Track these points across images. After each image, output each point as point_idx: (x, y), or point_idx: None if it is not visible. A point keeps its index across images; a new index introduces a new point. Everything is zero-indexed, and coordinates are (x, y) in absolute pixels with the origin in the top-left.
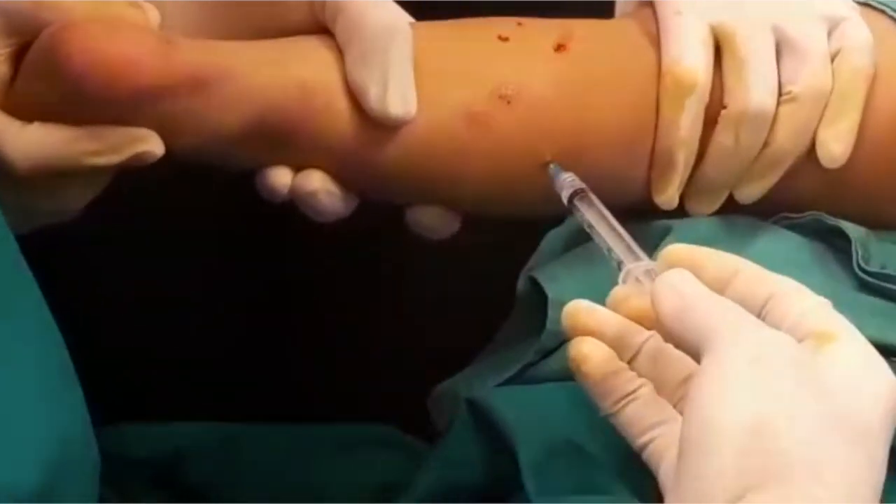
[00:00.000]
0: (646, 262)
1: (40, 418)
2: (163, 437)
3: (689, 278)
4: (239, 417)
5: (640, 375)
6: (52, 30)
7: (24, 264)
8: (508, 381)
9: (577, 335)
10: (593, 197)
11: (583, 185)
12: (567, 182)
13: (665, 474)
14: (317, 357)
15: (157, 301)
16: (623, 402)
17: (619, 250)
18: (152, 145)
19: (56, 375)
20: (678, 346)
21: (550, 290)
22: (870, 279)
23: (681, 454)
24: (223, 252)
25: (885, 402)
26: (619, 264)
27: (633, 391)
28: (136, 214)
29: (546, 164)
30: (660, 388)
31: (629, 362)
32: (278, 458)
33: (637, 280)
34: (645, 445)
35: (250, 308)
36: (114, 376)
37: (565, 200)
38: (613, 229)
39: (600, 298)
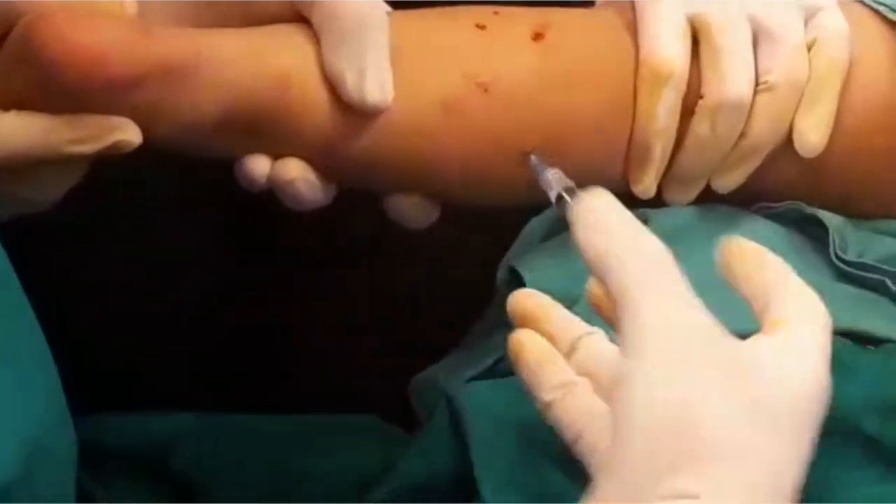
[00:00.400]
0: None
1: (14, 405)
2: (147, 427)
3: (614, 212)
4: (223, 408)
5: (578, 372)
6: (27, 20)
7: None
8: (485, 372)
9: (518, 322)
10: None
11: (572, 184)
12: (555, 179)
13: (596, 468)
14: (299, 347)
15: (144, 290)
16: (557, 393)
17: None
18: (129, 134)
19: (30, 363)
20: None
21: (529, 279)
22: (847, 268)
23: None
24: (211, 241)
25: (809, 392)
26: None
27: (567, 383)
28: (124, 201)
29: (527, 155)
30: (596, 386)
31: (567, 356)
32: (261, 448)
33: None
34: (576, 439)
35: (236, 298)
36: (100, 366)
37: (553, 198)
38: None
39: (580, 288)
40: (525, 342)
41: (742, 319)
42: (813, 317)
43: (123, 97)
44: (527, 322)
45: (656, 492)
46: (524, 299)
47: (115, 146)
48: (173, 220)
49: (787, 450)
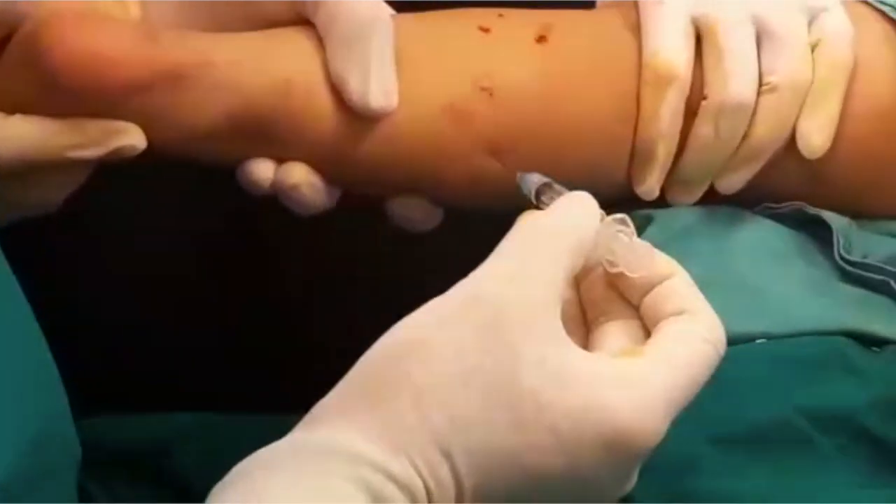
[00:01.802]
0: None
1: (15, 405)
2: (146, 428)
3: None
4: (223, 408)
5: None
6: (32, 24)
7: None
8: None
9: None
10: (558, 186)
11: (548, 179)
12: (533, 181)
13: None
14: (301, 347)
15: (144, 291)
16: None
17: None
18: (134, 139)
19: (31, 363)
20: None
21: None
22: (851, 269)
23: None
24: (209, 242)
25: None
26: None
27: None
28: (120, 204)
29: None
30: None
31: None
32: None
33: (618, 233)
34: None
35: (238, 298)
36: (99, 367)
37: (533, 199)
38: None
39: None
40: None
41: (745, 321)
42: None
43: (128, 102)
44: None
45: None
46: None
47: (119, 151)
48: (174, 218)
49: (507, 427)
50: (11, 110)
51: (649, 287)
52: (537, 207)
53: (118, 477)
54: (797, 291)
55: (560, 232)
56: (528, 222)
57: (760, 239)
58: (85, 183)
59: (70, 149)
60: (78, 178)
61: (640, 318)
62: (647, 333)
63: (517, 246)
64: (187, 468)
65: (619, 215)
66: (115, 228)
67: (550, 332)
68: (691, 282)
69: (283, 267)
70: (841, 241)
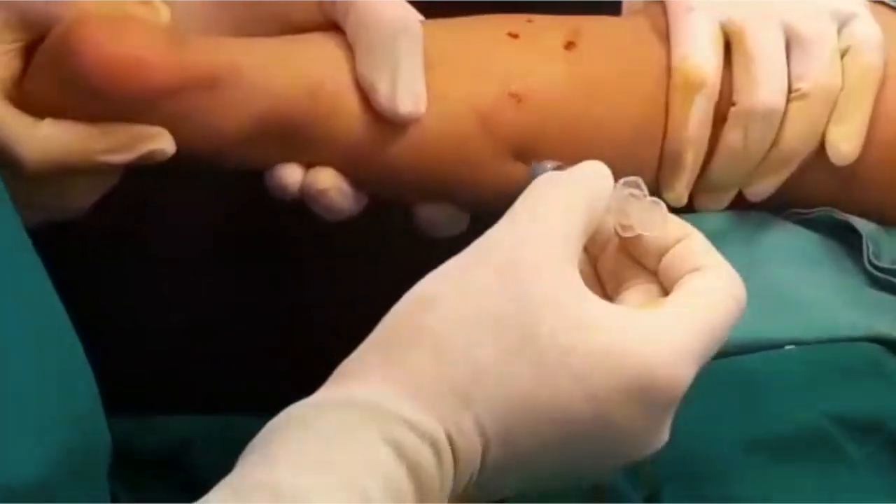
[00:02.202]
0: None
1: (49, 405)
2: (167, 429)
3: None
4: (242, 410)
5: None
6: (63, 27)
7: (32, 250)
8: None
9: None
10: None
11: (558, 163)
12: (546, 167)
13: None
14: (323, 348)
15: (164, 294)
16: None
17: None
18: (164, 143)
19: (65, 363)
20: None
21: None
22: (880, 275)
23: None
24: (228, 244)
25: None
26: None
27: None
28: (136, 207)
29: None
30: None
31: None
32: None
33: (631, 195)
34: None
35: (255, 299)
36: (115, 369)
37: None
38: None
39: None
40: None
41: (775, 327)
42: None
43: (158, 106)
44: None
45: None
46: None
47: (149, 155)
48: (194, 223)
49: (528, 378)
50: (42, 114)
51: (664, 250)
52: None
53: (140, 477)
54: (827, 297)
55: (574, 189)
56: (542, 181)
57: (790, 244)
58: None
59: (100, 153)
60: (105, 184)
61: (659, 283)
62: (667, 295)
63: (532, 203)
64: (208, 469)
65: (631, 178)
66: (130, 229)
67: (568, 279)
68: (706, 241)
69: (306, 268)
70: (870, 247)
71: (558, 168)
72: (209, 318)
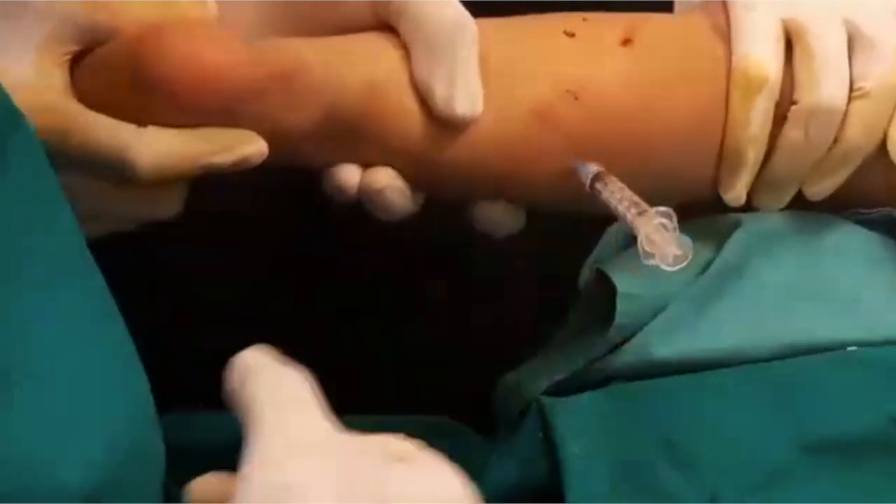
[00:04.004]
0: (661, 208)
1: (105, 406)
2: (215, 426)
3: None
4: None
5: None
6: (136, 40)
7: (89, 254)
8: (575, 375)
9: None
10: (611, 177)
11: (600, 168)
12: (590, 170)
13: None
14: (363, 349)
15: (195, 296)
16: None
17: (637, 210)
18: (259, 146)
19: (120, 363)
20: None
21: (620, 283)
22: None
23: None
24: (265, 241)
25: None
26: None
27: None
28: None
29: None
30: None
31: None
32: None
33: (661, 225)
34: None
35: (298, 300)
36: (175, 365)
37: (587, 187)
38: (631, 199)
39: (667, 291)
40: None
41: (837, 328)
42: None
43: (239, 109)
44: None
45: None
46: None
47: (247, 158)
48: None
49: None
50: None
51: None
52: (594, 192)
53: (187, 474)
54: (890, 298)
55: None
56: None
57: (850, 244)
58: None
59: (204, 157)
60: (185, 191)
61: None
62: None
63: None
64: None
65: (664, 209)
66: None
67: None
68: None
69: (344, 270)
70: None
71: (599, 172)
72: (250, 319)
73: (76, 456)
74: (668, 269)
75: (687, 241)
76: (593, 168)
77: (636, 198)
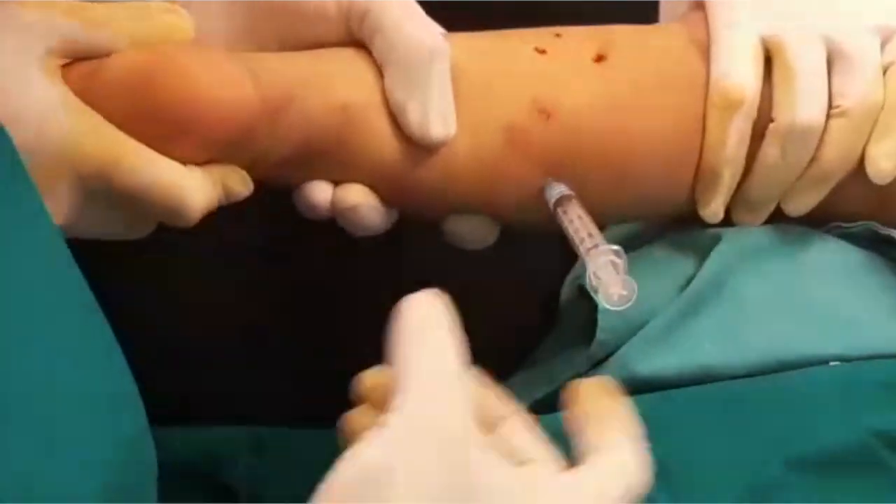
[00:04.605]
0: (613, 247)
1: (102, 423)
2: (199, 441)
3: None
4: (274, 422)
5: None
6: (135, 74)
7: (76, 268)
8: (557, 392)
9: None
10: (573, 203)
11: (568, 192)
12: (556, 192)
13: None
14: (352, 360)
15: (206, 303)
16: None
17: (591, 243)
18: (249, 185)
19: (116, 384)
20: None
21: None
22: None
23: None
24: (255, 253)
25: None
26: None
27: None
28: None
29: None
30: None
31: None
32: (316, 462)
33: (610, 263)
34: None
35: (300, 309)
36: (159, 380)
37: (551, 208)
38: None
39: (648, 307)
40: None
41: (818, 343)
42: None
43: (245, 144)
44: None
45: None
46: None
47: (237, 196)
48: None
49: None
50: None
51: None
52: (555, 216)
53: (171, 489)
54: (870, 312)
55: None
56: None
57: (832, 259)
58: None
59: (189, 190)
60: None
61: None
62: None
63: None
64: (240, 482)
65: (615, 247)
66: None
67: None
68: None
69: (356, 276)
70: None
71: (565, 198)
72: (256, 327)
73: (70, 477)
74: (611, 307)
75: (632, 283)
76: (559, 190)
77: (594, 229)
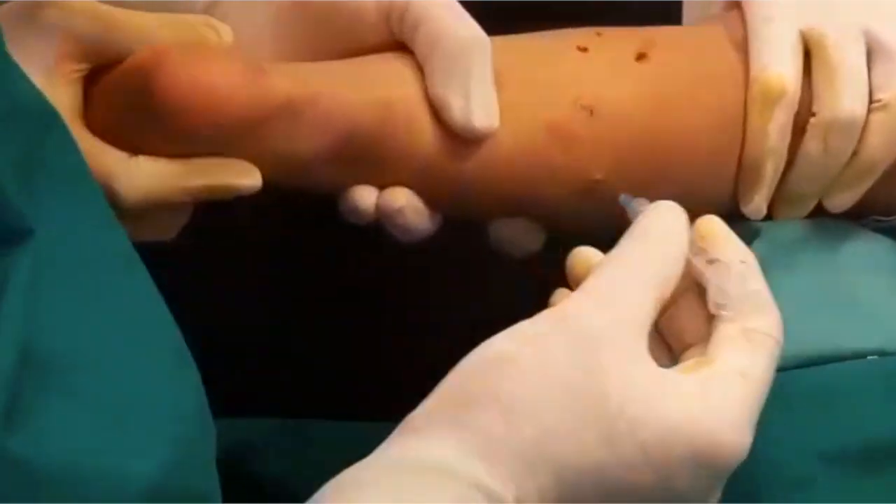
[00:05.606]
0: None
1: (166, 404)
2: (227, 432)
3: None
4: (308, 414)
5: None
6: (140, 64)
7: (135, 253)
8: None
9: None
10: None
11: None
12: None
13: None
14: (374, 357)
15: (234, 297)
16: None
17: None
18: (253, 179)
19: (175, 356)
20: None
21: None
22: None
23: None
24: (288, 251)
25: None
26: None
27: None
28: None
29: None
30: None
31: None
32: (349, 454)
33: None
34: None
35: (330, 301)
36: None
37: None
38: None
39: None
40: None
41: (857, 337)
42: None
43: (244, 137)
44: None
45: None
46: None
47: (237, 190)
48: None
49: (596, 446)
50: (110, 142)
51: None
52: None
53: None
54: None
55: (655, 255)
56: (621, 247)
57: (870, 253)
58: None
59: (195, 190)
60: (187, 215)
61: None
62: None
63: (608, 272)
64: (268, 473)
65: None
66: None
67: (637, 352)
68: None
69: (372, 275)
70: None
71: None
72: (287, 319)
73: (134, 450)
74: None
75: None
76: (640, 203)
77: None
